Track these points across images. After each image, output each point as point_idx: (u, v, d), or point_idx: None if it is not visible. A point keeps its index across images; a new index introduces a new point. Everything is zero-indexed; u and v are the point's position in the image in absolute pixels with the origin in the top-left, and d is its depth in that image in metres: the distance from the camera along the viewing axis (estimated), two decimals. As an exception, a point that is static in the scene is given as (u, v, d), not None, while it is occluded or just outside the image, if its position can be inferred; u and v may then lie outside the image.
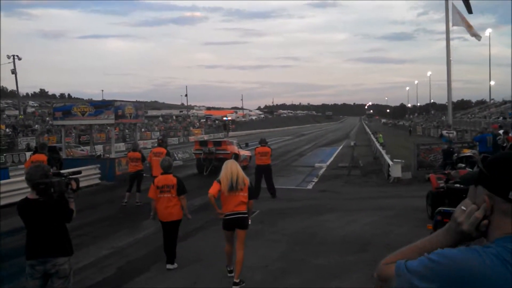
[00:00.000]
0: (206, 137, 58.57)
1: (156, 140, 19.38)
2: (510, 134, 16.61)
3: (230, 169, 6.83)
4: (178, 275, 7.31)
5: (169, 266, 7.64)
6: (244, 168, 19.05)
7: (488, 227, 1.45)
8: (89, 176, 17.40)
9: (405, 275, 1.39)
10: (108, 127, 43.19)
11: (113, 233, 10.29)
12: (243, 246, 6.84)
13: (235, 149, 21.59)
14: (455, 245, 1.44)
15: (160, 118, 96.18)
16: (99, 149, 32.35)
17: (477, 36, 21.66)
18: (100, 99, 36.66)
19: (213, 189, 6.79)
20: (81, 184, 16.56)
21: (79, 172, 5.35)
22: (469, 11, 20.83)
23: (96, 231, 10.56)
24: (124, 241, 9.54)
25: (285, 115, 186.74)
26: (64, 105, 21.31)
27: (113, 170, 18.87)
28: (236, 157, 19.48)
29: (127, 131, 55.67)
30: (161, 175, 7.78)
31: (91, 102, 21.99)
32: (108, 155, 21.79)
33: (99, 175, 18.09)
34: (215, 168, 18.64)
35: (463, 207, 1.51)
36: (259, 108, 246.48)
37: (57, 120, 20.98)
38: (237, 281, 6.67)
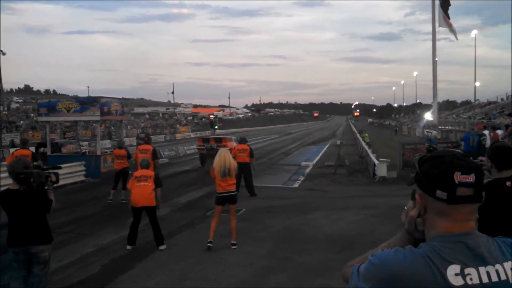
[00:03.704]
0: (193, 135, 58.91)
1: (137, 137, 19.22)
2: (497, 132, 16.77)
3: (224, 158, 8.29)
4: (163, 272, 7.28)
5: (161, 247, 8.53)
6: None
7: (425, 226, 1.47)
8: (74, 173, 17.26)
9: (354, 276, 1.43)
10: (94, 124, 42.84)
11: (97, 230, 10.22)
12: (234, 217, 8.63)
13: (233, 144, 21.96)
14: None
15: (147, 116, 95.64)
16: (84, 146, 32.08)
17: (454, 34, 21.95)
18: (85, 95, 36.27)
19: (212, 174, 8.42)
20: (66, 181, 16.58)
21: (59, 167, 5.80)
22: (445, 10, 21.03)
23: (81, 228, 10.48)
24: (108, 238, 9.47)
25: (272, 113, 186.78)
26: (49, 101, 21.05)
27: (98, 167, 18.73)
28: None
29: (113, 128, 55.26)
30: (141, 169, 9.06)
31: (76, 99, 21.81)
32: (93, 152, 21.59)
33: (84, 172, 17.94)
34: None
35: (405, 208, 1.53)
36: (246, 107, 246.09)
37: (42, 116, 20.75)
38: (234, 242, 8.43)
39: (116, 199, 13.35)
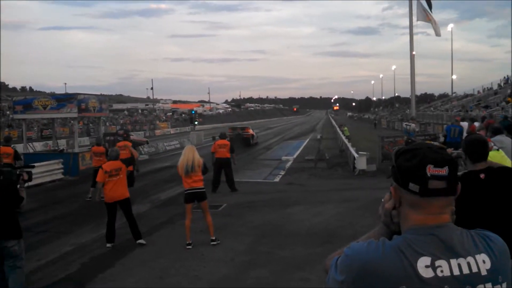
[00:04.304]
0: (173, 131, 58.65)
1: (116, 134, 19.00)
2: (474, 123, 16.99)
3: (187, 156, 8.18)
4: (143, 270, 7.22)
5: (140, 241, 8.58)
6: (255, 144, 34.98)
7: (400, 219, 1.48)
8: (51, 171, 17.01)
9: (332, 268, 1.44)
10: (72, 121, 42.31)
11: (76, 229, 10.09)
12: (208, 213, 8.45)
13: (251, 131, 35.26)
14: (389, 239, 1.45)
15: (126, 112, 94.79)
16: (62, 143, 31.69)
17: (438, 33, 22.24)
18: (63, 92, 35.72)
19: (178, 171, 8.32)
20: (44, 180, 16.31)
21: (32, 167, 6.00)
22: (429, 6, 21.29)
23: (59, 227, 10.34)
24: (87, 237, 9.36)
25: (252, 108, 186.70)
26: (25, 99, 20.69)
27: (76, 165, 18.49)
28: (252, 136, 34.71)
29: (91, 125, 54.62)
30: (108, 160, 8.87)
31: (53, 96, 21.45)
32: (71, 150, 21.32)
33: (62, 170, 17.68)
34: (243, 141, 31.86)
35: (382, 200, 1.53)
36: (226, 102, 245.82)
37: (18, 114, 20.40)
38: (214, 238, 8.30)
39: (95, 197, 13.19)
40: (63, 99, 19.66)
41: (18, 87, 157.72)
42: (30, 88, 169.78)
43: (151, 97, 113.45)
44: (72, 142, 22.64)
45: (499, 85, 48.25)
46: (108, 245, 8.50)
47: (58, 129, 41.33)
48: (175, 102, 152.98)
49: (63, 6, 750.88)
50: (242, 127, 37.62)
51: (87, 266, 7.61)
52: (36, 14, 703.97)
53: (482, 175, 3.51)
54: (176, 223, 10.21)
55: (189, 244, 8.17)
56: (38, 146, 32.78)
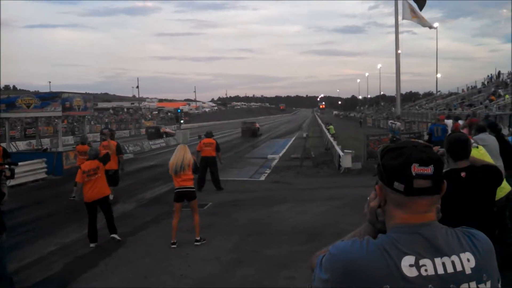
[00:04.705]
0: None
1: (100, 132, 18.84)
2: (458, 121, 17.14)
3: (178, 156, 8.25)
4: (127, 269, 7.16)
5: (114, 235, 8.68)
6: (260, 134, 46.03)
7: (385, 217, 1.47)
8: (34, 170, 16.78)
9: (317, 266, 1.42)
10: (56, 120, 41.86)
11: (60, 228, 9.97)
12: (196, 212, 8.41)
13: (257, 125, 47.56)
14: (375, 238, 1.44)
15: (111, 111, 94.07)
16: (46, 142, 31.35)
17: (430, 26, 22.42)
18: (47, 91, 35.35)
19: (169, 170, 8.38)
20: (27, 179, 16.07)
21: (16, 164, 6.12)
22: (420, 8, 21.45)
23: (42, 227, 10.20)
24: (71, 237, 9.25)
25: (238, 107, 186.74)
26: (8, 97, 20.38)
27: (60, 164, 18.28)
28: (258, 129, 46.53)
29: (75, 124, 54.12)
30: (86, 161, 8.86)
31: (37, 94, 21.14)
32: (55, 149, 21.07)
33: (45, 169, 17.47)
34: (252, 131, 44.40)
35: (368, 198, 1.52)
36: (212, 100, 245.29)
37: (1, 113, 20.07)
38: (198, 238, 8.25)
39: (79, 196, 13.05)
40: (47, 98, 19.41)
41: (2, 86, 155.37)
42: (14, 86, 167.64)
43: (137, 96, 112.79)
44: (56, 141, 22.34)
45: (483, 83, 48.84)
46: (92, 245, 8.44)
47: (42, 128, 40.91)
48: (161, 100, 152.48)
49: (48, 4, 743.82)
50: (251, 122, 52.15)
51: (70, 266, 7.51)
52: (21, 12, 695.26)
53: (463, 174, 3.54)
54: (161, 223, 10.15)
55: (173, 243, 8.16)
56: (22, 145, 32.40)
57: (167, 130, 44.91)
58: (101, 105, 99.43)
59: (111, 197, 12.95)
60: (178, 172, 8.16)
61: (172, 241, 8.19)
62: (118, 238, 8.66)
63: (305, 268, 6.65)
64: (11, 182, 5.66)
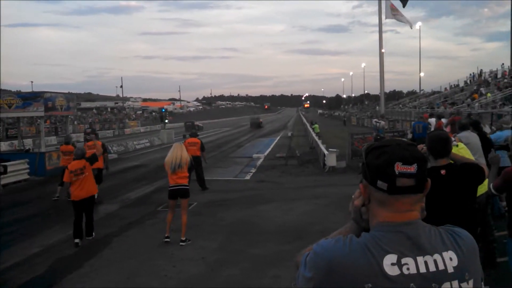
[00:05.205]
0: (143, 129, 58.43)
1: (84, 132, 18.67)
2: (441, 120, 17.35)
3: (175, 154, 8.37)
4: (112, 270, 7.10)
5: (89, 238, 8.81)
6: (262, 127, 62.50)
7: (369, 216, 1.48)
8: (17, 171, 16.54)
9: (302, 265, 1.43)
10: (38, 120, 41.39)
11: (43, 230, 9.85)
12: (186, 212, 8.52)
13: (261, 120, 67.56)
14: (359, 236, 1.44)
15: (94, 110, 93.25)
16: (28, 143, 30.97)
17: (410, 25, 22.65)
18: (29, 90, 34.83)
19: (165, 167, 8.47)
20: (9, 180, 15.86)
21: (7, 160, 6.02)
22: (404, 4, 21.64)
23: (25, 228, 10.07)
24: (55, 238, 9.15)
25: (223, 106, 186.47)
26: (-12, 97, 20.06)
27: (43, 165, 18.05)
28: (261, 122, 65.42)
29: (58, 124, 53.52)
30: (73, 160, 8.94)
31: (18, 94, 20.84)
32: (37, 149, 20.82)
33: (27, 170, 17.25)
34: (257, 124, 61.75)
35: (352, 197, 1.53)
36: (197, 100, 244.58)
37: (-18, 113, 19.77)
38: (184, 239, 8.27)
39: (62, 196, 12.92)
40: (29, 98, 19.12)
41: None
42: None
43: (121, 95, 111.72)
44: (39, 141, 22.08)
45: (465, 82, 49.38)
46: (76, 240, 8.51)
47: (24, 128, 40.39)
48: (145, 100, 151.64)
49: (29, 2, 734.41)
50: (257, 117, 71.90)
51: (54, 267, 7.43)
52: (2, 10, 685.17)
53: (443, 171, 3.57)
54: (146, 223, 10.10)
55: (167, 237, 8.34)
56: (3, 145, 31.97)
57: (198, 123, 59.66)
58: (85, 105, 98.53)
59: (95, 195, 12.99)
60: (175, 170, 8.31)
61: (166, 235, 8.35)
62: (91, 238, 8.88)
63: (291, 267, 6.65)
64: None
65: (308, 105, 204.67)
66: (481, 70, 48.27)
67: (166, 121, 45.77)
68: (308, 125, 46.20)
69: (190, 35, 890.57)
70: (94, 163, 9.34)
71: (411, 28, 23.66)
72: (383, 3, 22.32)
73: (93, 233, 8.97)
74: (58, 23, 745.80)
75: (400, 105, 58.60)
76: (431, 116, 18.30)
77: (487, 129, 11.81)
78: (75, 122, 60.67)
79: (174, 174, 8.38)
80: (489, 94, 34.92)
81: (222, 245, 8.25)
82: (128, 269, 7.11)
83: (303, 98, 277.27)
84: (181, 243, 8.21)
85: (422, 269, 1.32)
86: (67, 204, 12.33)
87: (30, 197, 13.75)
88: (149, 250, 8.00)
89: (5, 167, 5.59)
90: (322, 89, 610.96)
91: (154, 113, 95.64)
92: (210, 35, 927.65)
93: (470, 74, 50.85)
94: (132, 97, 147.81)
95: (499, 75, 42.31)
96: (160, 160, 8.92)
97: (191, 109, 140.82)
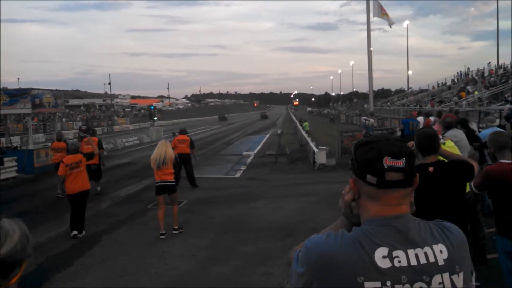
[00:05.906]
0: (131, 127, 58.08)
1: (79, 129, 18.56)
2: (429, 117, 17.46)
3: (160, 151, 8.56)
4: (102, 268, 7.09)
5: (80, 235, 8.84)
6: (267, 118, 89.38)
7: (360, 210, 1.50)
8: (5, 169, 16.36)
9: (294, 261, 1.45)
10: (26, 117, 41.01)
11: (33, 228, 9.76)
12: (176, 204, 8.88)
13: (267, 112, 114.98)
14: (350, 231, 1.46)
15: (82, 108, 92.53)
16: (16, 140, 30.68)
17: (390, 22, 22.77)
18: (16, 87, 34.44)
19: (151, 164, 8.72)
20: (-4, 178, 15.67)
21: (3, 153, 6.04)
22: None
23: (14, 226, 9.99)
24: (44, 235, 9.08)
25: (212, 104, 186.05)
26: (-25, 94, 19.84)
27: (31, 162, 17.91)
28: (267, 115, 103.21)
29: (46, 121, 53.03)
30: (68, 155, 9.29)
31: (5, 91, 20.63)
32: (25, 147, 20.65)
33: (16, 168, 17.11)
34: (264, 116, 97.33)
35: (343, 192, 1.56)
36: (186, 97, 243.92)
37: (-32, 110, 19.55)
38: (176, 227, 8.70)
39: (51, 194, 12.88)
40: (16, 95, 18.94)
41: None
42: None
43: (109, 93, 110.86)
44: (27, 139, 21.90)
45: (452, 80, 49.77)
46: (74, 232, 8.78)
47: (11, 125, 39.95)
48: (133, 97, 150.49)
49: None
50: (264, 111, 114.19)
51: (44, 266, 7.38)
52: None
53: (430, 168, 3.62)
54: (136, 221, 10.08)
55: (162, 234, 8.46)
56: (-10, 143, 31.60)
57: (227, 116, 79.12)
58: (72, 102, 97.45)
59: (98, 188, 13.03)
60: (160, 166, 8.50)
61: (161, 232, 8.49)
62: (79, 236, 8.86)
63: (282, 264, 6.73)
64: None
65: (297, 103, 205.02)
66: (468, 68, 48.69)
67: (155, 118, 45.59)
68: (297, 122, 46.32)
69: (178, 32, 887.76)
70: (90, 159, 9.54)
71: (390, 27, 23.74)
72: (371, 2, 22.45)
73: (83, 231, 8.96)
74: (45, 20, 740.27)
75: (389, 103, 58.93)
76: (418, 114, 18.44)
77: (474, 126, 11.93)
78: (63, 119, 60.20)
79: (159, 171, 8.58)
80: (476, 92, 35.26)
81: (213, 242, 8.27)
82: (118, 267, 7.10)
83: (292, 96, 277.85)
84: (173, 231, 8.61)
85: (413, 262, 1.35)
86: (57, 201, 12.32)
87: (18, 195, 13.65)
88: (140, 248, 7.99)
89: (1, 159, 5.57)
90: (311, 87, 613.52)
91: (143, 111, 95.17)
92: (198, 32, 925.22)
93: (458, 73, 51.25)
94: (120, 94, 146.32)
95: (486, 74, 42.72)
96: (150, 158, 8.89)
97: (180, 106, 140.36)
